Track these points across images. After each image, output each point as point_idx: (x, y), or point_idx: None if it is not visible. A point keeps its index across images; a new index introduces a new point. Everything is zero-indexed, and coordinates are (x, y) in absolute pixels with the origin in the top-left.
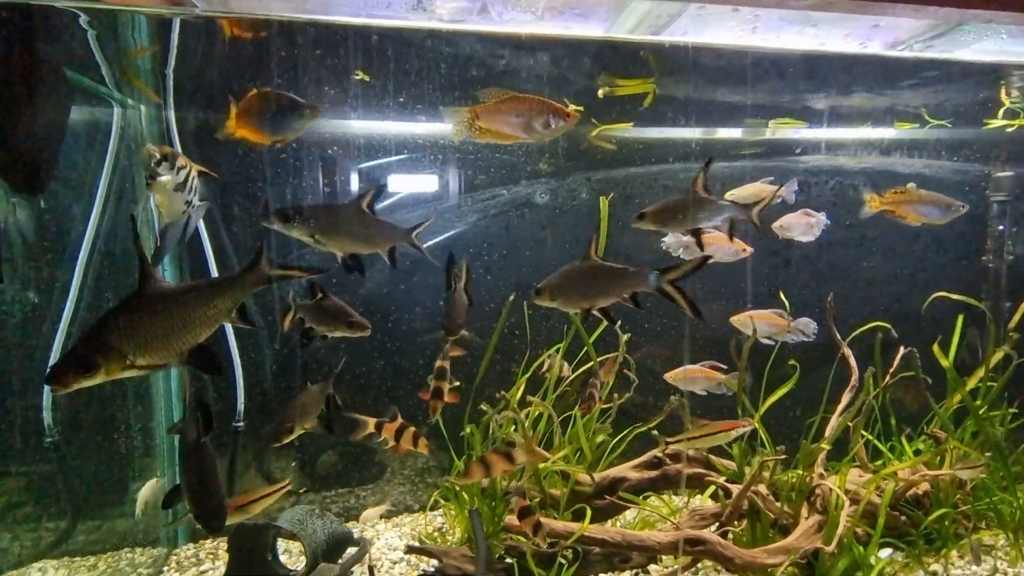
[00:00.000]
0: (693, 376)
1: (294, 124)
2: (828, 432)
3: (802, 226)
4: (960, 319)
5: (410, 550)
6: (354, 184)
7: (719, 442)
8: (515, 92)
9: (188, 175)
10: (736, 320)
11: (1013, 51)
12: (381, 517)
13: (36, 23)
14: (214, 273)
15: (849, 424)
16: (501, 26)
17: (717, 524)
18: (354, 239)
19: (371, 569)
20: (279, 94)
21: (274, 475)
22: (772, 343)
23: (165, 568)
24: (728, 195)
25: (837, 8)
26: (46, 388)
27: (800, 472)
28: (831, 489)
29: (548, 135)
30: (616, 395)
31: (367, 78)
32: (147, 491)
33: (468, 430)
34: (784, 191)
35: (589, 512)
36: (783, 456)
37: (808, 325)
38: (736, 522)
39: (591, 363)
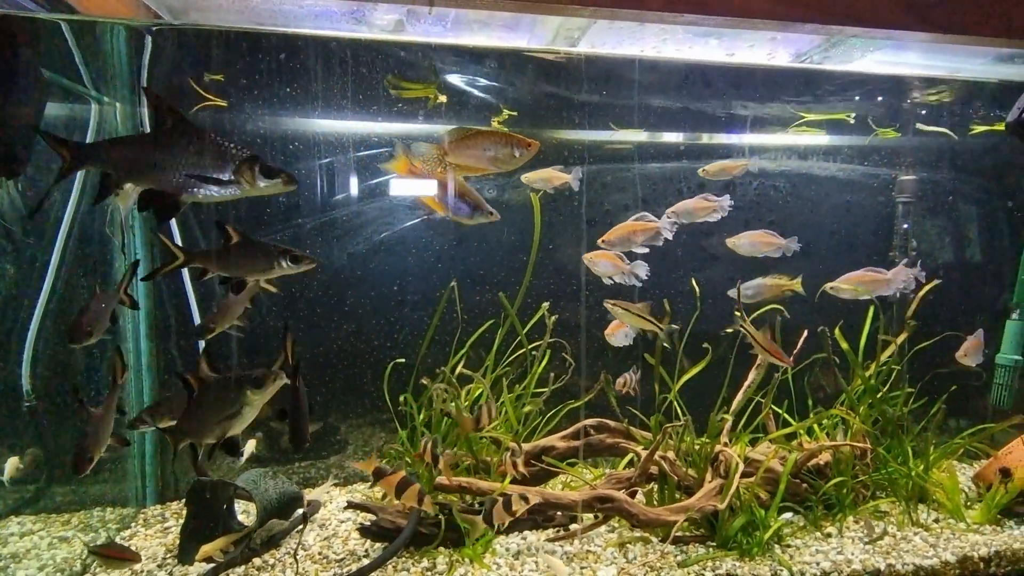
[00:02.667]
0: (615, 331)
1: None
2: (733, 406)
3: (703, 210)
4: (871, 309)
5: (350, 505)
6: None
7: (761, 354)
8: (478, 128)
9: None
10: (587, 258)
11: (905, 62)
12: (327, 492)
13: (15, 28)
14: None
15: (760, 400)
16: (436, 37)
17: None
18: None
19: (305, 518)
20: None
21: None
22: (610, 282)
23: (132, 524)
24: (524, 177)
25: (707, 24)
26: (25, 353)
27: (704, 440)
28: (731, 455)
29: (513, 165)
30: (552, 375)
31: (220, 78)
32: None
33: (402, 399)
34: (570, 178)
35: (511, 472)
36: (682, 424)
37: (641, 267)
38: (647, 484)
39: (523, 350)
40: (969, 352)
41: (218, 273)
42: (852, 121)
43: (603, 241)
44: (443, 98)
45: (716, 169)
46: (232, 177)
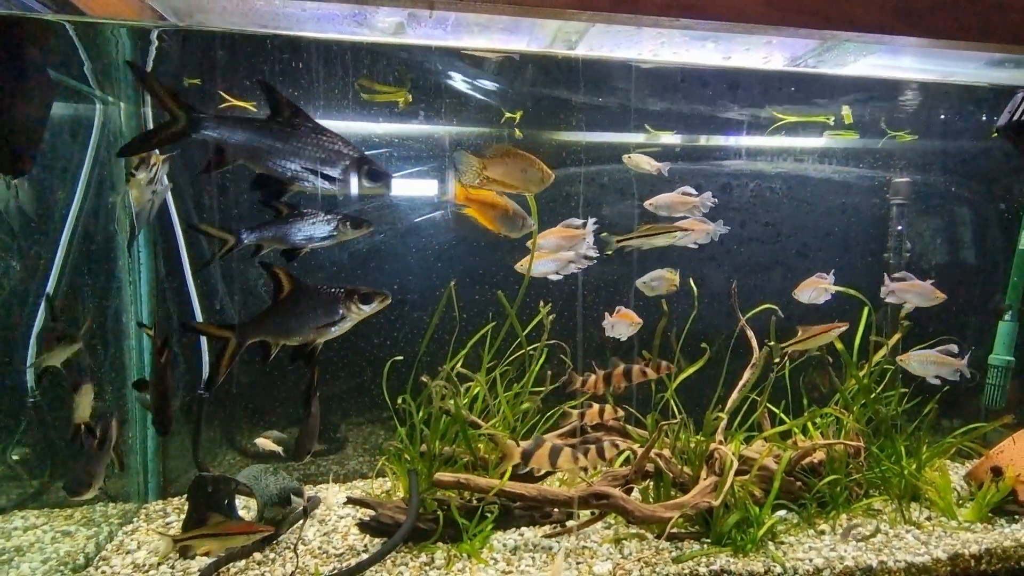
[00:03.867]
0: (617, 320)
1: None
2: (729, 404)
3: (682, 205)
4: (866, 310)
5: (349, 501)
6: None
7: (822, 342)
8: (515, 149)
9: (156, 170)
10: (519, 266)
11: (900, 66)
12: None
13: (24, 29)
14: (182, 247)
15: (756, 398)
16: (436, 40)
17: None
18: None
19: (305, 511)
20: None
21: (242, 445)
22: (558, 277)
23: (135, 519)
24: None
25: (701, 28)
26: (29, 350)
27: (699, 438)
28: (726, 453)
29: (536, 188)
30: (549, 373)
31: (197, 83)
32: None
33: (400, 400)
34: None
35: (509, 468)
36: (676, 422)
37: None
38: (643, 481)
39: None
40: (926, 363)
41: (273, 247)
42: (832, 123)
43: (649, 203)
44: (410, 97)
45: (635, 163)
46: (340, 176)
